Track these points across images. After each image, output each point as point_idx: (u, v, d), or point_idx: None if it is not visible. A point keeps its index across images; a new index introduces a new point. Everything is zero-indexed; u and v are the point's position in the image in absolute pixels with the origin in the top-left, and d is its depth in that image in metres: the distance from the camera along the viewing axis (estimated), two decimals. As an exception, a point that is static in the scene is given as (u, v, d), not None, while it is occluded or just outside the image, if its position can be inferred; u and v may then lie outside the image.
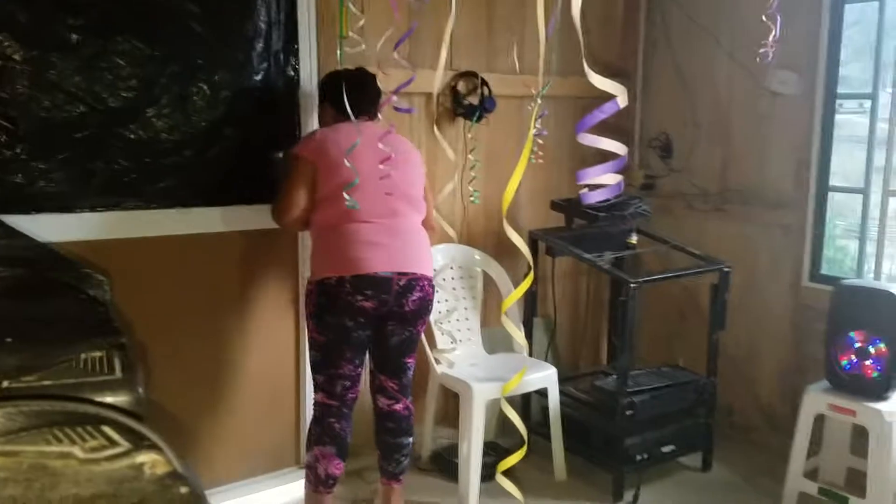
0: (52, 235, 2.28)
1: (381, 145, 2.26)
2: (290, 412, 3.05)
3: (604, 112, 1.09)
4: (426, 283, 2.56)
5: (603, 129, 3.74)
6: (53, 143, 2.36)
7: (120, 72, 2.45)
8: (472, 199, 3.34)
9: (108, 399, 0.82)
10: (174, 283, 2.69)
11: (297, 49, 2.83)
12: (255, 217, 2.78)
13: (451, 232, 2.65)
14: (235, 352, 2.89)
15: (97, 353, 0.86)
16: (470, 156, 3.36)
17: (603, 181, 1.22)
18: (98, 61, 2.40)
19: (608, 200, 3.32)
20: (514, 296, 0.97)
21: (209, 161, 2.68)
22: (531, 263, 1.83)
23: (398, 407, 2.68)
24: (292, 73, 2.84)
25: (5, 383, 0.80)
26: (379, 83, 2.67)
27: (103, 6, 2.40)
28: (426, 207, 2.68)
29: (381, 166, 2.33)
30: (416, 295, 2.52)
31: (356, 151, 2.27)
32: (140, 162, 2.53)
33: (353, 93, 2.33)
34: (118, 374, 0.87)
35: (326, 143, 2.50)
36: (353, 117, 2.18)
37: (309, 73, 2.88)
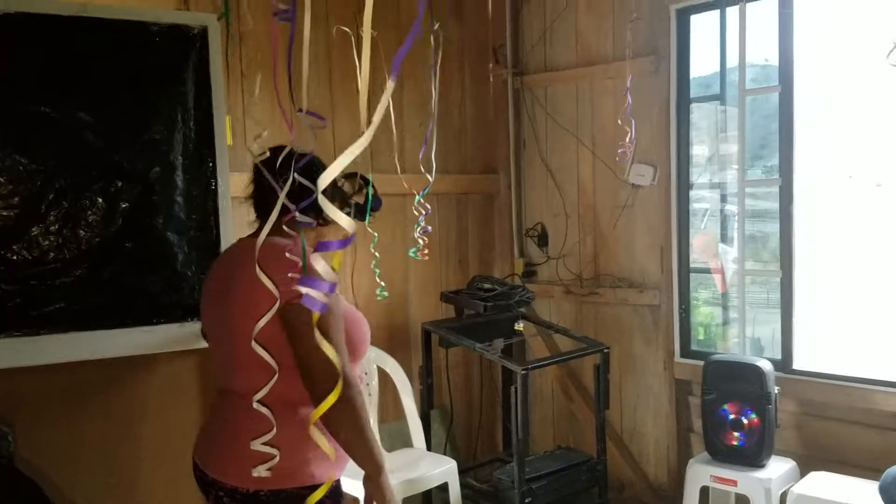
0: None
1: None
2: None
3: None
4: (224, 494, 1.70)
5: (486, 219, 3.97)
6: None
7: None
8: (378, 296, 3.36)
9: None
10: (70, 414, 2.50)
11: (214, 154, 2.61)
12: (157, 339, 2.55)
13: None
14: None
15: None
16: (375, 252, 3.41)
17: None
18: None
19: (493, 290, 3.46)
20: (318, 411, 0.89)
21: (107, 280, 2.47)
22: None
23: None
24: (210, 178, 2.62)
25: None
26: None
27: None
28: (308, 360, 1.61)
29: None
30: None
31: (208, 291, 1.86)
32: (26, 284, 2.33)
33: (254, 188, 1.86)
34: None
35: (207, 275, 1.93)
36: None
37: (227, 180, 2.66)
